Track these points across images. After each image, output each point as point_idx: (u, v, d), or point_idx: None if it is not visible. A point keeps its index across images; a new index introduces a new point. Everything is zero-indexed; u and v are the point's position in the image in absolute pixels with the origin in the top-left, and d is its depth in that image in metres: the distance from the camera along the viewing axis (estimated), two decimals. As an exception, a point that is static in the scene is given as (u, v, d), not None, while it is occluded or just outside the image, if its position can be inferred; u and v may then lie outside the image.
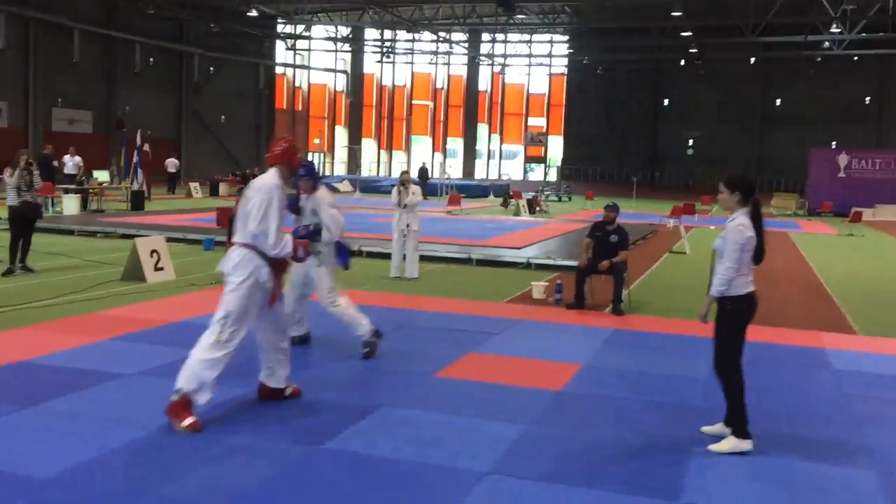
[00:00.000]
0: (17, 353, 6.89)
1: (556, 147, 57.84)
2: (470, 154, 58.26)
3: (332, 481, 4.54)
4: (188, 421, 5.20)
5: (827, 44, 41.72)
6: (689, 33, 39.63)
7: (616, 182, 52.39)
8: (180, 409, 5.24)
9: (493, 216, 26.42)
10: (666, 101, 55.73)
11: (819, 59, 45.19)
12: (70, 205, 20.30)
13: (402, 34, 53.07)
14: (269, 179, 5.53)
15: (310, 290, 7.47)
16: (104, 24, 39.09)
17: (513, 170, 58.66)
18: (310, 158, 54.19)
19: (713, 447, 5.24)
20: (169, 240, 14.25)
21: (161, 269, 11.30)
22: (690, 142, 55.32)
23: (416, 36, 53.12)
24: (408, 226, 12.38)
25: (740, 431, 5.24)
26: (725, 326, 5.29)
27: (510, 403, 6.13)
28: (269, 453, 4.91)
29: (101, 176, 26.15)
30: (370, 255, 14.58)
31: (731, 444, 5.23)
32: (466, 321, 9.20)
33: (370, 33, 53.63)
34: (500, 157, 59.05)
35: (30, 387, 5.99)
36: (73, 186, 21.37)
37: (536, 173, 57.03)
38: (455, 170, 56.64)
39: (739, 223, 5.23)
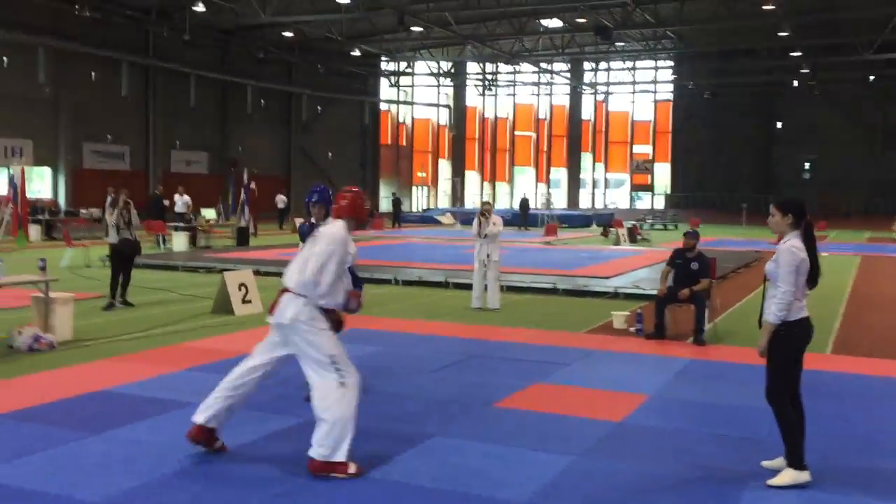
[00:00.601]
0: (97, 383, 7.25)
1: (663, 175, 56.72)
2: (574, 184, 57.84)
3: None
4: (352, 469, 5.02)
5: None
6: (799, 53, 38.20)
7: (727, 209, 50.81)
8: (331, 466, 5.01)
9: (590, 246, 26.07)
10: (779, 125, 53.87)
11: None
12: (179, 242, 21.29)
13: (504, 66, 53.47)
14: (338, 231, 5.27)
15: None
16: (218, 69, 41.11)
17: (619, 198, 57.82)
18: (414, 192, 55.30)
19: (772, 481, 5.02)
20: (261, 273, 14.75)
21: (249, 301, 11.68)
22: (807, 165, 53.20)
23: (518, 67, 53.42)
24: (488, 256, 12.38)
25: (796, 463, 5.02)
26: (778, 353, 5.07)
27: (565, 434, 6.00)
28: (318, 482, 4.97)
29: (209, 214, 27.32)
30: (457, 286, 14.64)
31: (789, 476, 5.02)
32: (539, 352, 9.09)
33: (472, 67, 54.30)
34: (605, 186, 58.33)
35: (100, 415, 6.29)
36: (182, 224, 22.42)
37: (644, 202, 56.04)
38: (559, 200, 56.39)
39: (792, 245, 5.07)
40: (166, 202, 23.15)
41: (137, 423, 6.09)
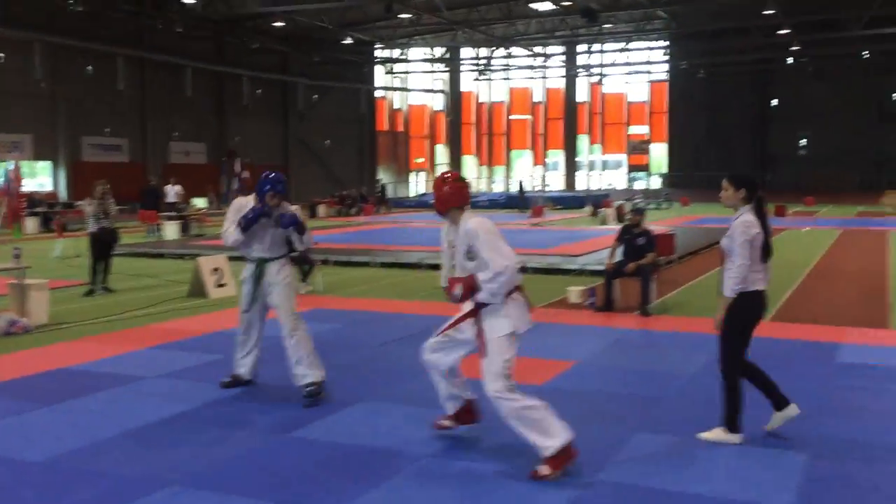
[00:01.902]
0: (60, 362, 7.76)
1: (660, 154, 56.95)
2: (571, 166, 58.11)
3: (286, 464, 5.05)
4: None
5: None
6: (788, 31, 38.33)
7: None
8: (558, 461, 4.83)
9: (576, 226, 26.47)
10: (774, 102, 53.97)
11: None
12: (170, 230, 21.81)
13: (498, 51, 53.70)
14: (482, 221, 4.90)
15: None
16: (213, 60, 41.52)
17: (617, 180, 58.09)
18: (412, 178, 55.72)
19: (702, 434, 5.36)
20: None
21: (223, 285, 12.17)
22: (803, 142, 53.34)
23: (512, 51, 53.65)
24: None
25: (731, 424, 5.31)
26: (730, 322, 5.25)
27: (478, 398, 6.46)
28: (242, 440, 5.47)
29: (200, 203, 27.82)
30: (431, 266, 15.10)
31: (718, 434, 5.33)
32: (488, 326, 9.53)
33: (466, 52, 54.56)
34: (602, 168, 58.60)
35: (57, 390, 6.78)
36: (173, 213, 22.94)
37: (643, 182, 56.31)
38: (556, 182, 56.70)
39: (744, 220, 5.22)
40: (161, 192, 23.66)
41: (90, 396, 6.58)
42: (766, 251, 5.24)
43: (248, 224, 6.40)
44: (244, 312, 6.68)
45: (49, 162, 35.31)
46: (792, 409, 5.40)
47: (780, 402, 5.41)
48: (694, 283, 13.01)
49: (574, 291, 11.25)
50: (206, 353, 8.06)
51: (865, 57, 45.60)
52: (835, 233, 23.03)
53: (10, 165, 20.95)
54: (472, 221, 4.92)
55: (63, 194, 33.93)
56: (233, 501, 4.49)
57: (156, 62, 38.58)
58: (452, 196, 5.05)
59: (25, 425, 5.85)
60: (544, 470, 4.77)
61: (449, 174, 5.25)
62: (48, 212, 25.32)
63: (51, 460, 5.11)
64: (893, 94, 50.04)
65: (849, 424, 5.76)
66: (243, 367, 6.79)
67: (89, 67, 35.70)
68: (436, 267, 14.51)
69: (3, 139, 32.25)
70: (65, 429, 5.73)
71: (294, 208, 6.68)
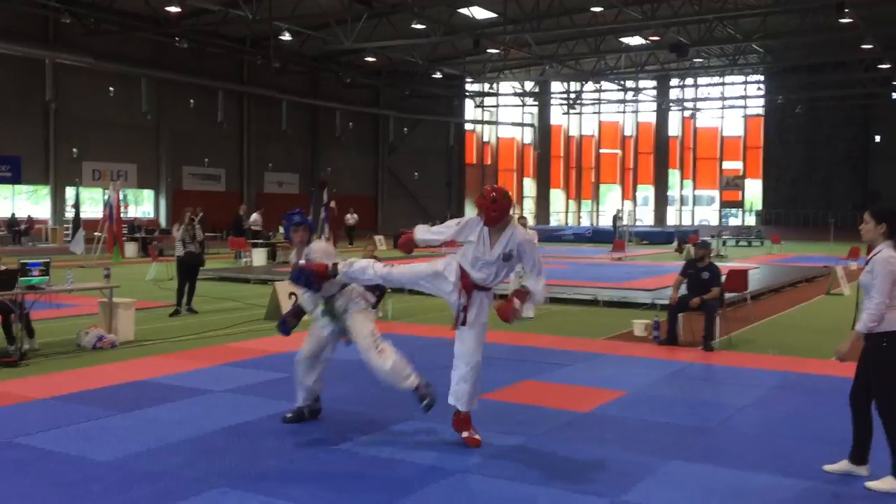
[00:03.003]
0: (139, 375, 8.32)
1: (755, 191, 55.63)
2: (661, 201, 57.36)
3: (326, 474, 5.37)
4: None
5: None
6: (888, 66, 37.17)
7: (822, 225, 49.40)
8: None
9: (659, 262, 26.20)
10: (877, 138, 52.07)
11: None
12: (257, 257, 22.71)
13: (588, 85, 53.77)
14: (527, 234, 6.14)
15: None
16: (308, 94, 43.12)
17: (710, 215, 56.98)
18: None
19: (871, 484, 5.12)
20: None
21: (298, 309, 12.67)
22: (907, 180, 51.17)
23: (603, 85, 53.62)
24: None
25: None
26: (884, 365, 5.05)
27: (523, 420, 6.65)
28: (290, 451, 5.82)
29: (286, 231, 28.79)
30: (499, 296, 15.29)
31: (890, 484, 5.08)
32: (548, 354, 9.69)
33: (556, 86, 54.82)
34: (693, 203, 57.62)
35: (133, 399, 7.30)
36: (260, 241, 23.89)
37: (737, 219, 55.11)
38: (646, 217, 56.03)
39: (889, 255, 5.04)
40: (244, 220, 24.75)
41: (161, 406, 7.07)
42: None
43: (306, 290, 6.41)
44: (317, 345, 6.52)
45: (151, 190, 37.28)
46: (862, 470, 5.22)
47: (860, 456, 5.25)
48: (766, 322, 12.82)
49: (639, 324, 11.28)
50: (272, 371, 8.49)
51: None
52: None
53: (113, 193, 22.20)
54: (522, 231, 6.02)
55: (163, 221, 35.72)
56: (271, 503, 4.83)
57: (254, 96, 40.35)
58: (506, 211, 5.89)
59: (100, 429, 6.35)
60: None
61: (498, 191, 5.92)
62: (146, 237, 26.70)
63: (118, 461, 5.56)
64: None
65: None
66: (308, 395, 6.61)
67: (192, 101, 37.66)
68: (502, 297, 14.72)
69: (110, 168, 34.30)
70: (134, 434, 6.20)
71: (319, 245, 6.58)
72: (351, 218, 34.51)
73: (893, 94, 46.31)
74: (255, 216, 25.11)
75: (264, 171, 42.46)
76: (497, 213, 5.78)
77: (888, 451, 5.10)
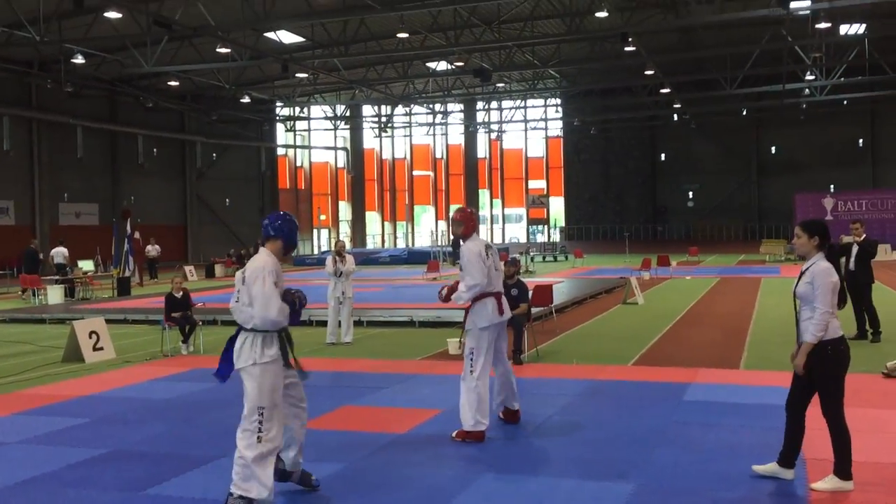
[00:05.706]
0: (-83, 430, 7.56)
1: (558, 208, 58.69)
2: (473, 220, 59.14)
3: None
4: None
5: (808, 90, 42.39)
6: (668, 90, 40.55)
7: (617, 239, 52.93)
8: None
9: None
10: (663, 157, 56.58)
11: (804, 105, 45.82)
12: (53, 295, 21.20)
13: (399, 108, 54.70)
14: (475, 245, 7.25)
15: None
16: (106, 119, 40.95)
17: (518, 233, 59.46)
18: (315, 234, 55.65)
19: (816, 485, 5.29)
20: (128, 321, 15.12)
21: (101, 349, 12.00)
22: (690, 194, 55.93)
23: (412, 109, 54.73)
24: (343, 293, 13.03)
25: (844, 472, 5.26)
26: (829, 371, 5.25)
27: (338, 446, 6.67)
28: (94, 499, 5.50)
29: (86, 265, 27.14)
30: (319, 322, 15.19)
31: (833, 483, 5.26)
32: (366, 378, 9.76)
33: (367, 110, 55.35)
34: (504, 222, 59.94)
35: None
36: (56, 277, 22.35)
37: (543, 235, 57.82)
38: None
39: (826, 267, 5.26)
40: (41, 256, 23.03)
41: (-56, 463, 6.46)
42: (843, 298, 5.37)
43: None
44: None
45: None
46: (787, 474, 5.46)
47: (787, 460, 5.48)
48: (570, 333, 13.55)
49: (452, 343, 11.59)
50: (72, 418, 7.99)
51: (745, 114, 48.57)
52: (712, 281, 24.23)
53: None
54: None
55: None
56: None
57: (45, 122, 37.78)
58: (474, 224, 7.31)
59: None
60: None
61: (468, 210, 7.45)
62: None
63: None
64: (771, 148, 53.18)
65: (679, 455, 6.21)
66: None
67: (-28, 128, 34.70)
68: (323, 324, 14.64)
69: None
70: (-90, 497, 5.64)
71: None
72: (153, 249, 31.41)
73: (675, 116, 50.58)
74: (59, 249, 23.41)
75: (59, 201, 39.72)
76: (475, 222, 7.32)
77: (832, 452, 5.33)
